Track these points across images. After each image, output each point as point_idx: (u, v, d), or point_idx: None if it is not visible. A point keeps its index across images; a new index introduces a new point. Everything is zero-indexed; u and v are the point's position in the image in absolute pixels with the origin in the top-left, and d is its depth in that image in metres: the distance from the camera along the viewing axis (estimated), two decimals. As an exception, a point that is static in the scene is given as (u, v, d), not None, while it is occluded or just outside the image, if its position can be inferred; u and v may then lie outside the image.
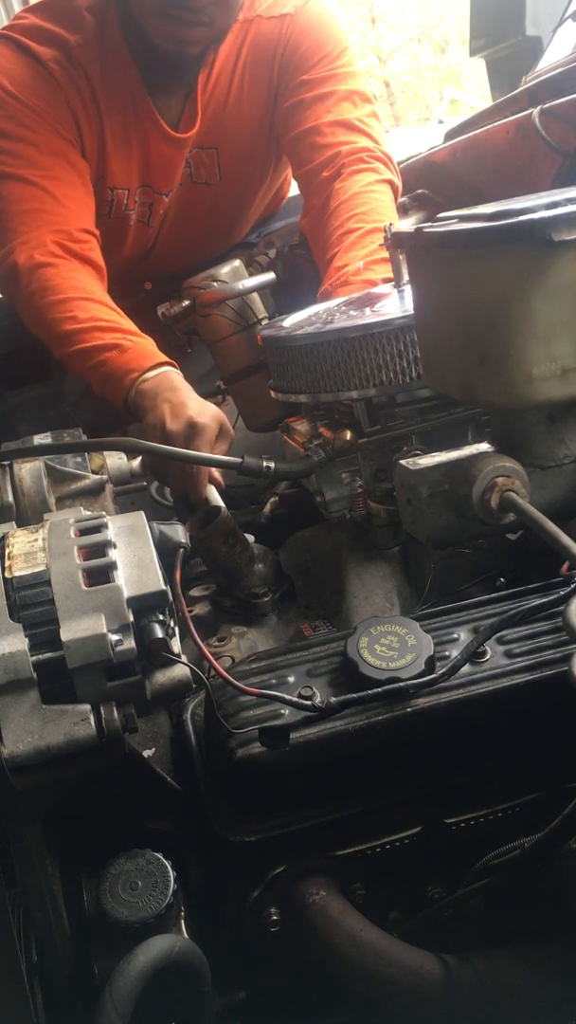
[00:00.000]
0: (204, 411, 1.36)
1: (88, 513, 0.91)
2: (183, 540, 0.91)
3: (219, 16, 1.58)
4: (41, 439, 1.22)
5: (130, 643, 0.76)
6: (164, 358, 1.47)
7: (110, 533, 0.84)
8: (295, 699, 0.80)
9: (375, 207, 1.60)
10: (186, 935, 0.81)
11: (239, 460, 1.18)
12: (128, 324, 1.52)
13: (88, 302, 1.53)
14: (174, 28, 1.56)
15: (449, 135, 2.17)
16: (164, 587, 0.81)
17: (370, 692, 0.79)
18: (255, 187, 1.93)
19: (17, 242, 1.59)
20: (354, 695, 0.79)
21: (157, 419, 1.36)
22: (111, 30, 1.64)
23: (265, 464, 1.18)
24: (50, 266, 1.56)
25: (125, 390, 1.45)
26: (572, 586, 0.87)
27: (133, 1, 1.58)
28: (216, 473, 1.35)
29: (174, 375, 1.44)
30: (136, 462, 1.30)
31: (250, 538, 1.27)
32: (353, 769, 0.82)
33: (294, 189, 1.93)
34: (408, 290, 1.14)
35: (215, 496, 1.32)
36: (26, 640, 0.74)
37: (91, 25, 1.64)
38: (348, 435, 1.15)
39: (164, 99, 1.72)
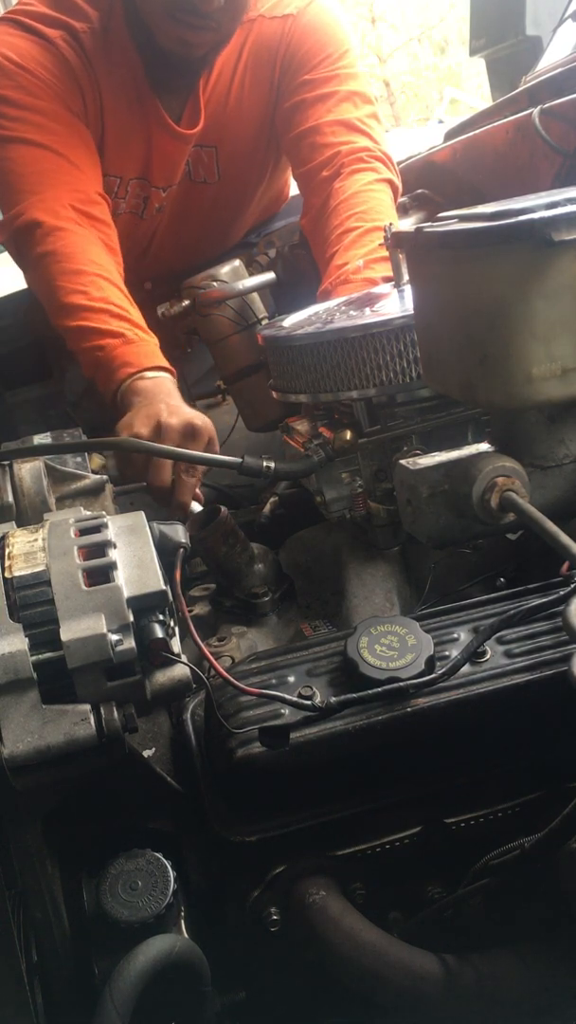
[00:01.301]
0: (200, 416, 1.35)
1: (88, 513, 0.91)
2: (183, 540, 0.91)
3: (226, 21, 1.58)
4: (41, 439, 1.22)
5: (130, 643, 0.76)
6: (165, 363, 1.46)
7: (110, 533, 0.84)
8: (295, 699, 0.80)
9: (375, 206, 1.60)
10: (186, 935, 0.81)
11: (239, 460, 1.18)
12: (138, 317, 1.51)
13: (104, 282, 1.51)
14: (181, 31, 1.56)
15: (449, 135, 2.17)
16: (164, 587, 0.81)
17: (370, 692, 0.79)
18: (254, 187, 1.93)
19: (34, 199, 1.56)
20: (354, 695, 0.79)
21: (153, 413, 1.34)
22: (116, 24, 1.64)
23: (265, 464, 1.18)
24: (69, 231, 1.53)
25: (119, 381, 1.43)
26: (572, 586, 0.87)
27: (141, 1, 1.58)
28: (198, 491, 1.33)
29: (171, 382, 1.43)
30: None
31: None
32: (353, 769, 0.82)
33: (294, 189, 1.93)
34: (408, 290, 1.14)
35: (197, 507, 1.31)
36: (26, 640, 0.74)
37: (96, 18, 1.65)
38: (348, 435, 1.15)
39: (166, 96, 1.72)
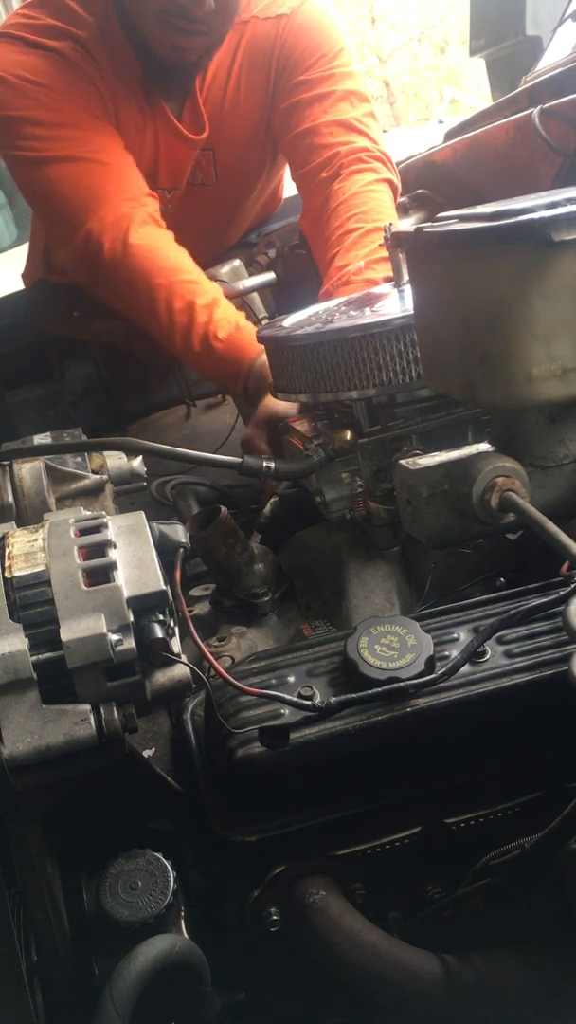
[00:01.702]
0: None
1: (88, 513, 0.91)
2: (183, 540, 0.91)
3: (218, 25, 1.58)
4: (41, 439, 1.22)
5: (130, 643, 0.76)
6: (255, 349, 1.49)
7: (110, 533, 0.84)
8: (295, 699, 0.80)
9: (374, 207, 1.60)
10: (186, 935, 0.81)
11: (239, 460, 1.18)
12: (217, 302, 1.53)
13: (179, 284, 1.54)
14: (173, 35, 1.55)
15: (449, 135, 2.17)
16: (164, 587, 0.81)
17: (370, 692, 0.79)
18: (250, 188, 1.93)
19: (93, 220, 1.56)
20: (354, 695, 0.79)
21: None
22: (113, 31, 1.64)
23: (265, 464, 1.18)
24: (135, 246, 1.55)
25: (240, 392, 1.50)
26: (572, 586, 0.87)
27: (132, 6, 1.58)
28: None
29: (265, 371, 1.47)
30: (137, 462, 1.30)
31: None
32: (353, 769, 0.82)
33: (292, 189, 1.93)
34: (408, 290, 1.14)
35: None
36: (26, 640, 0.74)
37: (93, 24, 1.64)
38: (348, 435, 1.15)
39: (166, 100, 1.72)
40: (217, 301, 1.53)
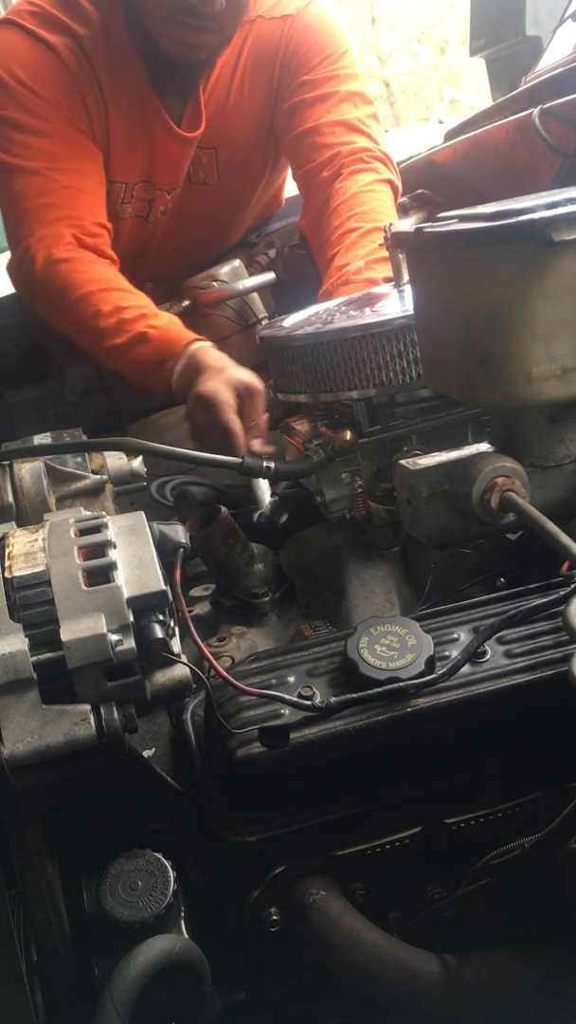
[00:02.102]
0: (247, 373, 1.37)
1: (88, 513, 0.91)
2: (183, 540, 0.91)
3: (228, 23, 1.58)
4: (41, 439, 1.22)
5: (130, 643, 0.76)
6: (190, 336, 1.47)
7: (110, 533, 0.84)
8: (295, 699, 0.80)
9: (375, 207, 1.60)
10: (186, 935, 0.81)
11: (239, 460, 1.18)
12: (149, 306, 1.52)
13: (109, 292, 1.53)
14: (183, 33, 1.55)
15: (449, 135, 2.18)
16: (164, 587, 0.81)
17: (370, 692, 0.79)
18: (253, 188, 1.93)
19: (33, 239, 1.58)
20: (354, 695, 0.79)
21: (207, 388, 1.38)
22: (116, 27, 1.64)
23: (265, 464, 1.18)
24: (66, 261, 1.56)
25: (165, 381, 1.47)
26: (572, 586, 0.87)
27: (141, 4, 1.58)
28: (257, 444, 1.35)
29: (206, 352, 1.45)
30: (137, 462, 1.30)
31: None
32: (353, 769, 0.82)
33: (293, 189, 1.93)
34: (408, 290, 1.14)
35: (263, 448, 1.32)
36: (26, 640, 0.74)
37: (97, 20, 1.64)
38: (348, 435, 1.15)
39: (168, 98, 1.72)
40: (147, 304, 1.54)
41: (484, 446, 0.90)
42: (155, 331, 1.48)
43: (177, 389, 1.45)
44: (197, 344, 1.45)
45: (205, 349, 1.45)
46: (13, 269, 1.65)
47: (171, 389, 1.47)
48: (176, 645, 0.83)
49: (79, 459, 1.18)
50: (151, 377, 1.49)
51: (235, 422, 1.34)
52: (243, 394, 1.36)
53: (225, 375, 1.38)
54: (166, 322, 1.50)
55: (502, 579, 1.09)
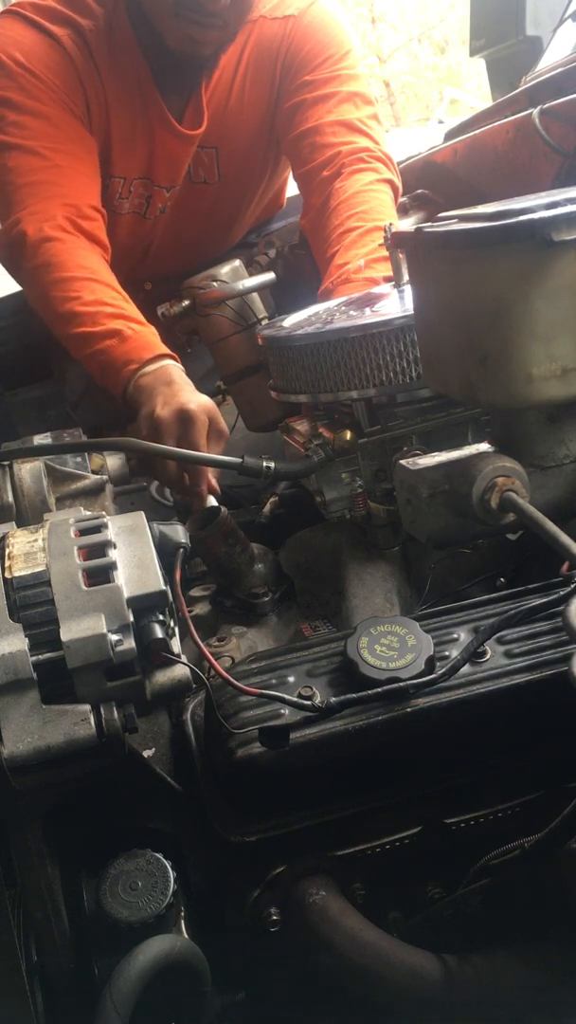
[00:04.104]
0: (195, 400, 1.33)
1: (88, 513, 0.91)
2: (183, 540, 0.91)
3: (233, 19, 1.58)
4: (41, 439, 1.22)
5: (130, 643, 0.76)
6: (164, 350, 1.45)
7: (110, 533, 0.84)
8: (295, 699, 0.80)
9: (375, 206, 1.60)
10: (186, 935, 0.81)
11: (239, 460, 1.18)
12: (132, 310, 1.50)
13: (95, 283, 1.51)
14: (188, 28, 1.55)
15: (449, 135, 2.18)
16: (164, 587, 0.81)
17: (370, 692, 0.79)
18: (253, 187, 1.93)
19: (25, 212, 1.56)
20: (354, 695, 0.79)
21: (149, 409, 1.33)
22: (120, 23, 1.64)
23: (265, 464, 1.18)
24: (58, 240, 1.54)
25: (123, 382, 1.42)
26: (572, 586, 0.87)
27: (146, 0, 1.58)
28: (212, 479, 1.32)
29: (173, 368, 1.42)
30: (136, 462, 1.30)
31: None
32: (353, 769, 0.82)
33: (293, 189, 1.93)
34: (408, 290, 1.14)
35: (212, 500, 1.30)
36: (26, 640, 0.74)
37: (100, 14, 1.64)
38: (348, 435, 1.15)
39: (170, 95, 1.72)
40: (132, 310, 1.51)
41: (484, 446, 0.90)
42: (132, 332, 1.46)
43: (131, 394, 1.41)
44: (168, 360, 1.43)
45: (171, 366, 1.43)
46: (2, 242, 1.63)
47: (124, 393, 1.43)
48: (176, 645, 0.83)
49: (79, 459, 1.18)
50: (110, 376, 1.46)
51: (169, 467, 1.31)
52: (183, 421, 1.30)
53: (172, 403, 1.32)
54: (146, 331, 1.49)
55: (502, 579, 1.09)
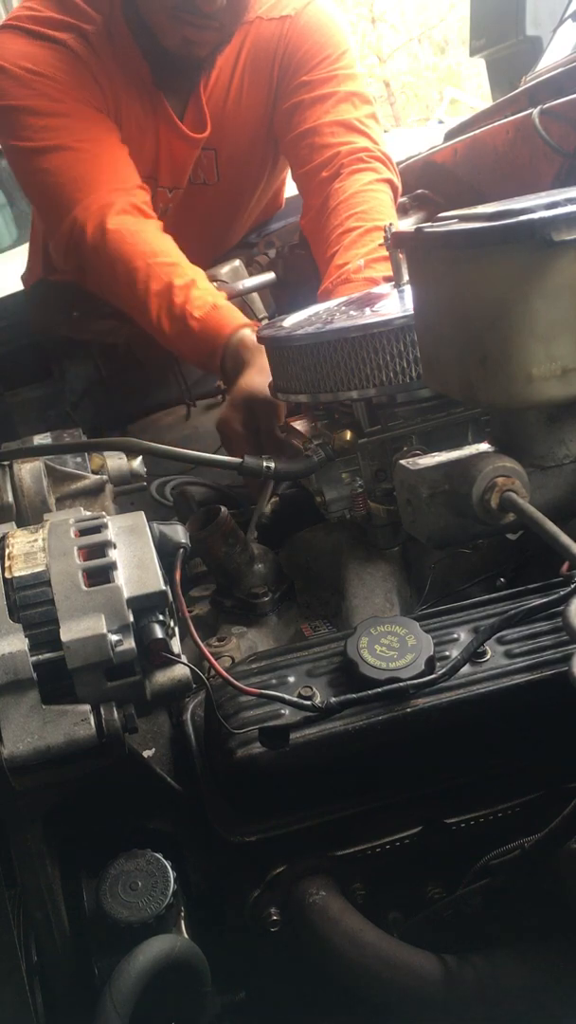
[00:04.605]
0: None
1: (88, 513, 0.91)
2: (183, 540, 0.91)
3: (228, 20, 1.58)
4: (41, 439, 1.22)
5: (130, 643, 0.76)
6: (229, 326, 1.48)
7: (110, 533, 0.84)
8: (295, 699, 0.80)
9: (375, 206, 1.60)
10: (186, 935, 0.81)
11: (239, 460, 1.18)
12: (198, 280, 1.53)
13: (158, 267, 1.53)
14: (184, 30, 1.56)
15: (449, 135, 2.18)
16: (164, 587, 0.81)
17: (370, 692, 0.79)
18: (252, 188, 1.93)
19: (79, 208, 1.57)
20: (354, 695, 0.79)
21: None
22: (118, 27, 1.64)
23: (265, 464, 1.18)
24: (116, 232, 1.55)
25: (219, 373, 1.49)
26: (572, 586, 0.87)
27: (142, 1, 1.58)
28: None
29: (240, 350, 1.46)
30: (137, 462, 1.30)
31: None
32: (353, 769, 0.82)
33: (293, 189, 1.93)
34: (408, 290, 1.14)
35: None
36: (26, 640, 0.74)
37: (98, 18, 1.64)
38: (348, 435, 1.15)
39: (170, 97, 1.72)
40: (195, 282, 1.53)
41: (484, 446, 0.90)
42: (196, 323, 1.48)
43: (230, 373, 1.47)
44: (236, 337, 1.45)
45: (243, 344, 1.45)
46: (62, 246, 1.63)
47: (228, 382, 1.49)
48: (176, 645, 0.83)
49: (79, 459, 1.18)
50: (208, 367, 1.52)
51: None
52: (254, 408, 1.37)
53: (238, 393, 1.38)
54: (208, 309, 1.50)
55: (502, 579, 1.09)
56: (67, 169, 1.59)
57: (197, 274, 1.54)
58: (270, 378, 1.27)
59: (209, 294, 1.52)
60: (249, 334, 1.46)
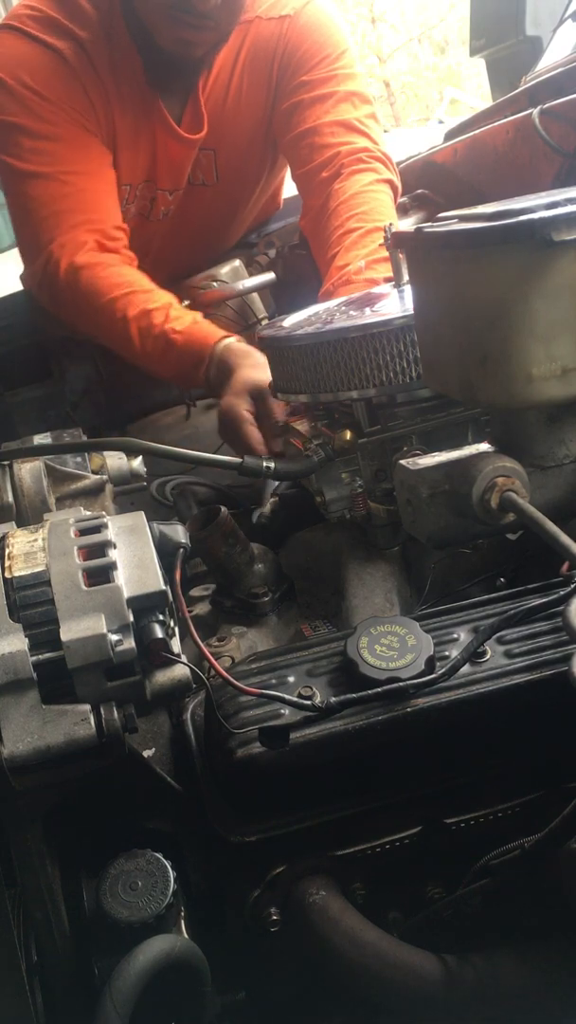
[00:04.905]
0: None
1: (88, 513, 0.91)
2: (183, 540, 0.91)
3: (225, 19, 1.58)
4: (41, 439, 1.22)
5: (130, 643, 0.76)
6: (213, 336, 1.49)
7: (110, 533, 0.84)
8: (295, 699, 0.80)
9: (375, 207, 1.60)
10: (186, 935, 0.81)
11: (239, 460, 1.18)
12: (173, 305, 1.54)
13: (133, 295, 1.55)
14: (180, 30, 1.55)
15: (449, 135, 2.18)
16: (164, 587, 0.81)
17: (370, 692, 0.79)
18: (251, 189, 1.93)
19: (55, 245, 1.59)
20: (354, 695, 0.79)
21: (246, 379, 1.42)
22: (117, 27, 1.64)
23: (265, 464, 1.18)
24: (89, 267, 1.57)
25: (204, 386, 1.51)
26: (572, 586, 0.87)
27: (139, 1, 1.58)
28: (277, 445, 1.37)
29: (226, 354, 1.47)
30: (137, 462, 1.30)
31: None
32: (353, 769, 0.82)
33: (292, 189, 1.93)
34: (408, 290, 1.14)
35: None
36: (26, 640, 0.74)
37: (96, 21, 1.64)
38: (348, 435, 1.15)
39: (167, 98, 1.72)
40: (172, 304, 1.55)
41: (484, 446, 0.90)
42: (180, 336, 1.49)
43: (213, 393, 1.49)
44: (221, 344, 1.47)
45: (228, 349, 1.46)
46: (37, 277, 1.65)
47: (211, 390, 1.50)
48: (176, 645, 0.83)
49: (79, 459, 1.18)
50: (190, 381, 1.54)
51: (253, 435, 1.37)
52: (256, 397, 1.38)
53: (239, 384, 1.40)
54: (189, 324, 1.51)
55: (502, 579, 1.09)
56: (50, 202, 1.61)
57: (171, 298, 1.56)
58: (266, 373, 1.27)
59: (187, 313, 1.54)
60: (235, 342, 1.47)
